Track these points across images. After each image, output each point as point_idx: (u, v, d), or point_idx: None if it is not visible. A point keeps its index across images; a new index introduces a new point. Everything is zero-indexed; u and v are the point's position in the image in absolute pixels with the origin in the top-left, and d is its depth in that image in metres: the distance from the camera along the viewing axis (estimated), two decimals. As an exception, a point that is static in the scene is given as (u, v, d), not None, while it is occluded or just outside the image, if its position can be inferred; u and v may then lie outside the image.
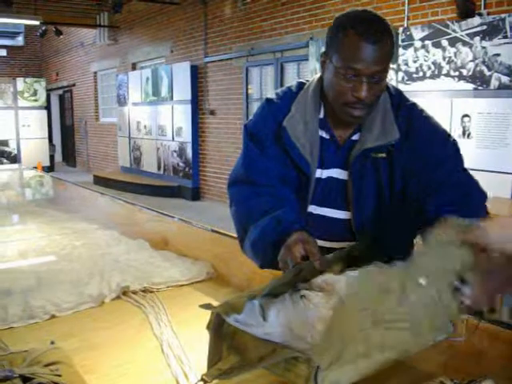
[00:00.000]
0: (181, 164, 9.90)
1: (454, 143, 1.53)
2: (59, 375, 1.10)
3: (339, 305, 1.05)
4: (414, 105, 1.53)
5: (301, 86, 1.58)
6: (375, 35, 1.34)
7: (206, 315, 1.13)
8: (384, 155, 1.47)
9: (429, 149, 1.47)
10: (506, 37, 4.75)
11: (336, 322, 1.00)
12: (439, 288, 1.04)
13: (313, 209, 1.58)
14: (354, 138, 1.51)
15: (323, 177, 1.54)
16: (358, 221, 1.54)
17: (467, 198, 1.44)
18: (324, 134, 1.54)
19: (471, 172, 1.55)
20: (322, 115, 1.53)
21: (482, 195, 1.51)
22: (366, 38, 1.33)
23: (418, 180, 1.46)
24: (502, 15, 4.79)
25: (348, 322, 1.01)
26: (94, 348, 1.44)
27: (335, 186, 1.54)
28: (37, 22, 11.10)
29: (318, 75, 1.54)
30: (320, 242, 1.61)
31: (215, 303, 1.16)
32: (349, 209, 1.55)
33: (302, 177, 1.53)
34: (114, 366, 1.33)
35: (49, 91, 15.25)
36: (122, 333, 1.54)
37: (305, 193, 1.54)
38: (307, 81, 1.59)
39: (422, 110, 1.53)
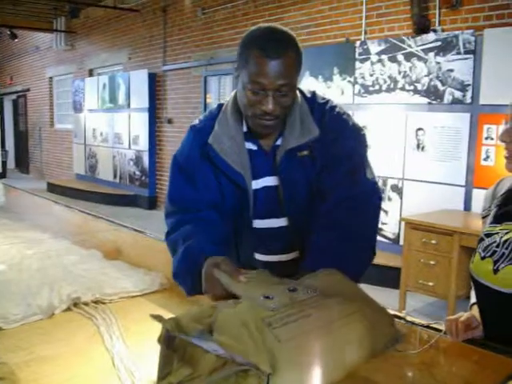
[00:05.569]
0: (137, 172, 9.80)
1: (363, 139, 1.60)
2: (3, 391, 1.06)
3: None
4: (327, 102, 1.59)
5: (221, 106, 1.63)
6: (277, 50, 1.38)
7: (159, 327, 1.11)
8: (307, 153, 1.52)
9: (338, 143, 1.53)
10: (459, 53, 4.88)
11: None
12: None
13: (257, 223, 1.59)
14: (278, 142, 1.55)
15: (259, 187, 1.57)
16: (293, 223, 1.58)
17: (361, 197, 1.51)
18: (251, 146, 1.57)
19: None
20: (245, 128, 1.56)
21: (377, 199, 1.58)
22: (268, 54, 1.37)
23: (328, 172, 1.52)
24: (456, 32, 4.93)
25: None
26: (42, 362, 1.39)
27: (271, 195, 1.57)
28: (-9, 25, 10.87)
29: (235, 91, 1.57)
30: (272, 258, 1.63)
31: (168, 314, 1.14)
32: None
33: (239, 192, 1.55)
34: (63, 380, 1.29)
35: (2, 96, 14.92)
36: (72, 345, 1.50)
37: (246, 208, 1.56)
38: (227, 101, 1.63)
39: (334, 106, 1.58)
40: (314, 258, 1.39)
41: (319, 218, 1.48)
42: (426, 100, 5.19)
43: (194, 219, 1.53)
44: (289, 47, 1.41)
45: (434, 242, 4.22)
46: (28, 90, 14.67)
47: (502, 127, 1.36)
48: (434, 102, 5.13)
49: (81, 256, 2.36)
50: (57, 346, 1.50)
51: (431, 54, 5.11)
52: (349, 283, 1.32)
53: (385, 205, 5.34)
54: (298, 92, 1.56)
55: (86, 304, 1.79)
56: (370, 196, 1.54)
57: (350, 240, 1.44)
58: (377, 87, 5.59)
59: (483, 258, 1.34)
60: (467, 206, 4.90)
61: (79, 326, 1.64)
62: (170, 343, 1.07)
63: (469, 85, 4.84)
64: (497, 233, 1.35)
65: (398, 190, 5.35)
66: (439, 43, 5.05)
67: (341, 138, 1.54)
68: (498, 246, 1.31)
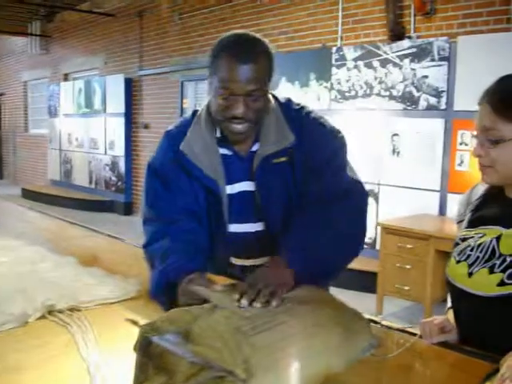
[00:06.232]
0: (113, 178, 9.72)
1: (342, 140, 1.63)
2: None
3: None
4: (302, 108, 1.61)
5: (195, 112, 1.64)
6: (247, 55, 1.40)
7: (135, 334, 1.10)
8: (285, 159, 1.54)
9: (319, 148, 1.56)
10: (433, 60, 4.94)
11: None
12: None
13: (234, 228, 1.59)
14: (254, 148, 1.57)
15: (234, 192, 1.57)
16: (271, 227, 1.58)
17: (346, 194, 1.55)
18: (226, 151, 1.58)
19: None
20: (219, 134, 1.57)
21: (362, 195, 1.63)
22: (238, 59, 1.39)
23: (313, 177, 1.54)
24: (430, 39, 4.99)
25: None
26: (15, 371, 1.37)
27: (248, 199, 1.58)
28: (-36, 29, 10.71)
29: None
30: (248, 262, 1.64)
31: (145, 321, 1.13)
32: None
33: (213, 197, 1.56)
34: (36, 390, 1.27)
35: (-25, 100, 14.70)
36: (46, 354, 1.48)
37: (219, 213, 1.56)
38: (202, 108, 1.64)
39: (310, 112, 1.61)
40: (298, 256, 1.39)
41: (301, 217, 1.49)
42: (401, 106, 5.25)
43: (173, 232, 1.52)
44: (259, 52, 1.42)
45: (409, 246, 4.26)
46: (2, 94, 14.48)
47: (472, 140, 1.37)
48: (409, 107, 5.19)
49: (55, 263, 2.32)
50: (31, 354, 1.47)
51: (406, 61, 5.16)
52: (323, 291, 1.34)
53: (361, 210, 5.37)
54: (272, 98, 1.57)
55: (61, 312, 1.76)
56: (354, 195, 1.57)
57: (334, 238, 1.46)
58: (353, 93, 5.64)
59: (458, 262, 1.36)
60: (442, 210, 4.95)
61: (54, 333, 1.62)
62: (146, 350, 1.07)
63: (443, 91, 4.90)
64: (471, 237, 1.36)
65: (374, 194, 5.39)
66: (414, 50, 5.11)
67: (321, 143, 1.56)
68: (472, 250, 1.33)
